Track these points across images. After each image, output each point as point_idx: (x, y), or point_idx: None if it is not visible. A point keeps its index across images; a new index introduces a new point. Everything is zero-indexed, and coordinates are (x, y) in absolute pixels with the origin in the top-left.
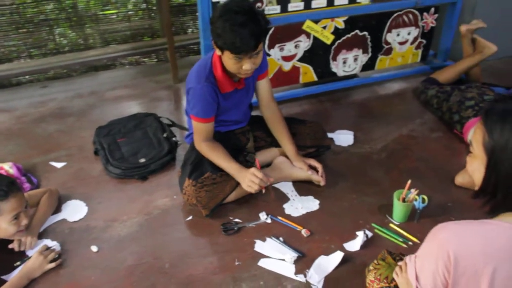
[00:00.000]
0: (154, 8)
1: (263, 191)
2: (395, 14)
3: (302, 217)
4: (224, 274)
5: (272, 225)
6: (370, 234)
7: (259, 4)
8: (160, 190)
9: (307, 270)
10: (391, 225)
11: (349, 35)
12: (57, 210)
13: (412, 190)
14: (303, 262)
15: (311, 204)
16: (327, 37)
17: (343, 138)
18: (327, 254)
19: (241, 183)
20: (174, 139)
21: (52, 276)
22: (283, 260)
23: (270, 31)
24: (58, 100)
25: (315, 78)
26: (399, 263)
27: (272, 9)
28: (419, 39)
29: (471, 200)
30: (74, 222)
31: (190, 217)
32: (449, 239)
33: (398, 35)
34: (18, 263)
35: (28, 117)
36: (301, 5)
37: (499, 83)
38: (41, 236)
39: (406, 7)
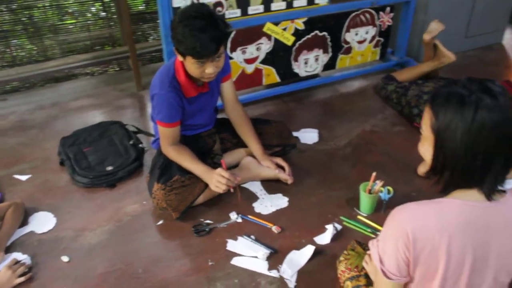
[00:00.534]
0: (114, 16)
1: (232, 190)
2: (353, 14)
3: (272, 214)
4: (198, 275)
5: (243, 224)
6: (339, 227)
7: (219, 8)
8: (129, 196)
9: (280, 265)
10: (359, 217)
11: (309, 36)
12: (24, 222)
13: (377, 182)
14: (275, 258)
15: (280, 201)
16: (288, 39)
17: (308, 136)
18: (298, 248)
19: (209, 184)
20: (140, 145)
21: None
22: (256, 257)
23: (232, 35)
24: (18, 113)
25: (278, 79)
26: (368, 252)
27: (232, 13)
28: (377, 38)
29: (433, 189)
30: (43, 233)
31: (161, 221)
32: (406, 219)
33: (356, 34)
34: None
35: None
36: (261, 8)
37: (454, 77)
38: (9, 250)
39: (363, 7)
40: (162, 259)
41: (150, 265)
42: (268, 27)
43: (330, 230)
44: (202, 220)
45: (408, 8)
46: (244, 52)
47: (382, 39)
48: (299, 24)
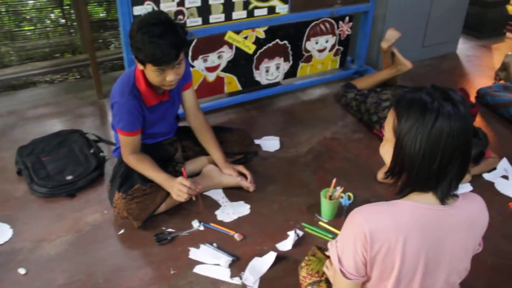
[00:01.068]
0: (74, 24)
1: (193, 198)
2: (313, 23)
3: (234, 222)
4: (160, 283)
5: (205, 232)
6: (301, 233)
7: (180, 17)
8: (89, 206)
9: (242, 273)
10: (320, 223)
11: (270, 45)
12: None
13: (338, 188)
14: (238, 265)
15: (242, 208)
16: (249, 47)
17: (270, 143)
18: (260, 255)
19: (171, 193)
20: (101, 154)
21: None
22: (218, 265)
23: (193, 43)
24: None
25: (240, 87)
26: (327, 253)
27: (193, 21)
28: (337, 46)
29: (392, 194)
30: None
31: (122, 231)
32: (364, 220)
33: (316, 43)
34: None
35: None
36: (222, 17)
37: (411, 84)
38: None
39: (322, 16)
40: (124, 269)
41: (111, 275)
42: (229, 36)
43: (291, 237)
44: (164, 228)
45: (366, 18)
46: (205, 60)
47: (341, 48)
48: (260, 32)
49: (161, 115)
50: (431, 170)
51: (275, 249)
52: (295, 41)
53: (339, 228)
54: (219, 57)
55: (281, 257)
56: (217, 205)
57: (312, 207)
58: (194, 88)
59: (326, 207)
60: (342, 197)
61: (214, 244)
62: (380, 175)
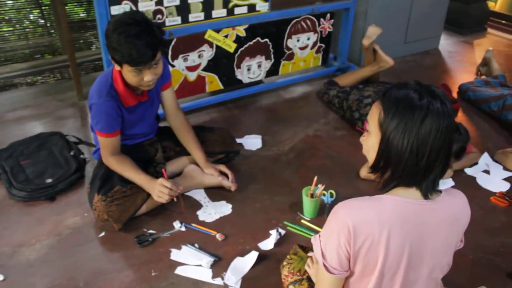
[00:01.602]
0: (54, 24)
1: (175, 199)
2: (294, 21)
3: (216, 222)
4: (141, 286)
5: (187, 232)
6: (283, 232)
7: (159, 16)
8: (70, 209)
9: (224, 273)
10: (303, 221)
11: (251, 43)
12: None
13: (319, 186)
14: (220, 266)
15: (224, 208)
16: (230, 46)
17: (252, 142)
18: (242, 255)
19: (152, 194)
20: (82, 156)
21: None
22: (200, 265)
23: (173, 42)
24: None
25: (221, 86)
26: (310, 254)
27: (172, 20)
28: (319, 44)
29: (375, 191)
30: None
31: (103, 233)
32: (347, 214)
33: (298, 40)
34: None
35: None
36: (201, 15)
37: (394, 81)
38: None
39: (303, 13)
40: (105, 272)
41: (92, 278)
42: (210, 35)
43: (274, 235)
44: (145, 230)
45: (348, 14)
46: (185, 60)
47: (323, 45)
48: (241, 31)
49: (140, 115)
50: (419, 166)
51: (257, 249)
52: (276, 39)
53: (321, 226)
54: (199, 56)
55: (263, 256)
56: (198, 205)
57: (294, 205)
58: (173, 88)
59: (308, 205)
60: (324, 195)
61: (196, 245)
62: (363, 172)
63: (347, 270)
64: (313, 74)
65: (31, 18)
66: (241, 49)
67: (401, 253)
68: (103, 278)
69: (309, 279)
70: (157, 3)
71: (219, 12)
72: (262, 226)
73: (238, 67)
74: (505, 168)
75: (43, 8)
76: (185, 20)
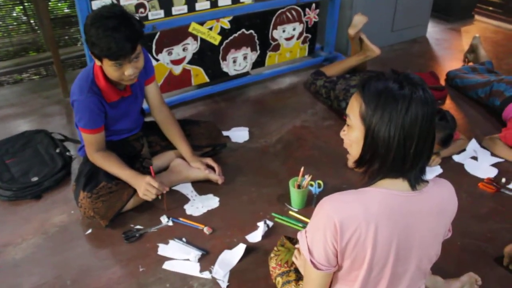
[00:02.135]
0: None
1: (159, 197)
2: (279, 11)
3: (203, 215)
4: (129, 282)
5: (174, 227)
6: (271, 223)
7: (142, 10)
8: (56, 207)
9: (212, 267)
10: (291, 212)
11: (236, 35)
12: None
13: (306, 176)
14: (207, 259)
15: (211, 202)
16: (214, 38)
17: (239, 135)
18: (230, 248)
19: (137, 191)
20: (68, 153)
21: None
22: (188, 260)
23: (156, 36)
24: None
25: (207, 79)
26: (297, 246)
27: (156, 14)
28: (305, 34)
29: (363, 180)
30: None
31: (90, 230)
32: (333, 209)
33: (284, 31)
34: None
35: None
36: (185, 8)
37: (381, 70)
38: None
39: (288, 4)
40: (92, 269)
41: (79, 276)
42: (194, 27)
43: (261, 228)
44: (132, 226)
45: (333, 4)
46: (170, 53)
47: (309, 35)
48: (225, 23)
49: (124, 111)
50: (406, 157)
51: (245, 241)
52: (262, 30)
53: (309, 217)
54: (184, 49)
55: (251, 249)
56: (186, 199)
57: (282, 197)
58: (157, 82)
59: (295, 196)
60: (312, 185)
61: (183, 239)
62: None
63: (335, 265)
64: (300, 65)
65: (14, 15)
66: (226, 41)
67: (389, 246)
68: (91, 275)
69: (296, 270)
70: None
71: (202, 4)
72: (249, 218)
73: (224, 59)
74: (493, 154)
75: (25, 4)
76: (168, 13)
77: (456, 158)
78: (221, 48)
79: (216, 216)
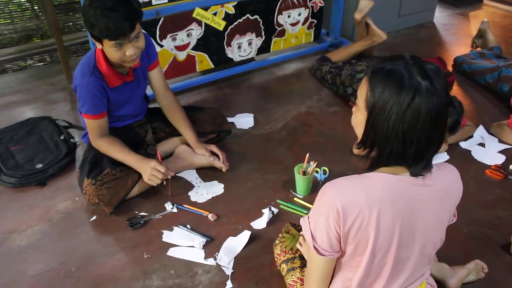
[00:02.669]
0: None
1: (164, 183)
2: None
3: (208, 202)
4: (134, 269)
5: (179, 214)
6: (276, 210)
7: None
8: (61, 194)
9: (217, 253)
10: (296, 199)
11: (240, 20)
12: None
13: (311, 163)
14: (212, 246)
15: (216, 188)
16: (219, 24)
17: (244, 121)
18: (235, 235)
19: (142, 175)
20: (72, 140)
21: None
22: (192, 246)
23: (160, 22)
24: None
25: (212, 65)
26: (302, 232)
27: None
28: (310, 19)
29: (366, 164)
30: None
31: (94, 217)
32: (335, 194)
33: (289, 16)
34: None
35: None
36: None
37: (388, 55)
38: None
39: None
40: (97, 255)
41: (84, 263)
42: (198, 13)
43: (266, 214)
44: (136, 212)
45: None
46: (174, 39)
47: (315, 21)
48: (229, 8)
49: (127, 96)
50: (405, 151)
51: (250, 228)
52: (267, 16)
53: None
54: (188, 35)
55: (256, 236)
56: (190, 186)
57: (287, 183)
58: (161, 68)
59: (301, 183)
60: (317, 172)
61: (188, 226)
62: (357, 149)
63: (338, 251)
64: (305, 51)
65: (17, 1)
66: (231, 26)
67: (392, 232)
68: (95, 262)
69: (301, 257)
70: None
71: None
72: (254, 205)
73: (228, 45)
74: (501, 141)
75: None
76: None
77: (463, 144)
78: (226, 33)
79: (220, 203)
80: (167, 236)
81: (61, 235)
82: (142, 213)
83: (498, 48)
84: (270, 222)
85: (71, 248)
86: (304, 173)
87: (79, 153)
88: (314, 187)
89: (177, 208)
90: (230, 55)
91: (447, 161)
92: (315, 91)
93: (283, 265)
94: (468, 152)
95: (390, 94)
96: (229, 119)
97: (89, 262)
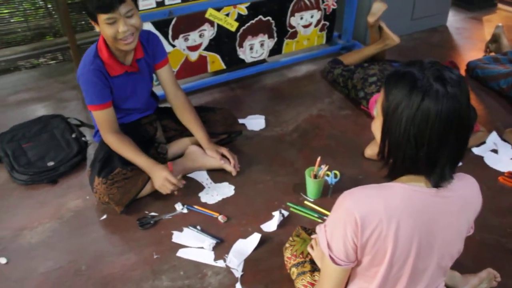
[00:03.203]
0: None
1: (175, 193)
2: None
3: (218, 203)
4: (143, 268)
5: (189, 214)
6: (286, 213)
7: None
8: (71, 192)
9: (226, 255)
10: (306, 202)
11: (253, 21)
12: None
13: (323, 166)
14: (222, 248)
15: (226, 190)
16: (231, 24)
17: (255, 122)
18: (245, 237)
19: (153, 181)
20: (83, 139)
21: None
22: (202, 248)
23: (173, 22)
24: None
25: (223, 66)
26: (313, 236)
27: None
28: (323, 22)
29: (380, 171)
30: None
31: (105, 216)
32: (354, 204)
33: (301, 18)
34: None
35: None
36: None
37: (400, 59)
38: None
39: None
40: (106, 254)
41: (94, 261)
42: (210, 13)
43: (276, 217)
44: (147, 212)
45: None
46: (186, 39)
47: (327, 23)
48: (242, 9)
49: (131, 89)
50: (418, 156)
51: (260, 230)
52: (279, 17)
53: (325, 207)
54: (200, 35)
55: (265, 238)
56: (201, 187)
57: (297, 186)
58: (170, 66)
59: (311, 186)
60: (328, 175)
61: (198, 227)
62: (368, 151)
63: (354, 261)
64: (317, 53)
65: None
66: (243, 27)
67: (411, 244)
68: (105, 261)
69: (312, 261)
70: None
71: None
72: (264, 207)
73: (241, 46)
74: None
75: None
76: None
77: (476, 150)
78: (238, 34)
79: (231, 205)
80: (177, 237)
81: (71, 233)
82: (152, 213)
83: None
84: (280, 225)
85: (81, 246)
86: (315, 176)
87: (90, 151)
88: (325, 191)
89: (187, 209)
90: (242, 56)
91: (459, 167)
92: (327, 94)
93: (293, 269)
94: (480, 158)
95: (401, 96)
96: (240, 121)
97: (99, 261)
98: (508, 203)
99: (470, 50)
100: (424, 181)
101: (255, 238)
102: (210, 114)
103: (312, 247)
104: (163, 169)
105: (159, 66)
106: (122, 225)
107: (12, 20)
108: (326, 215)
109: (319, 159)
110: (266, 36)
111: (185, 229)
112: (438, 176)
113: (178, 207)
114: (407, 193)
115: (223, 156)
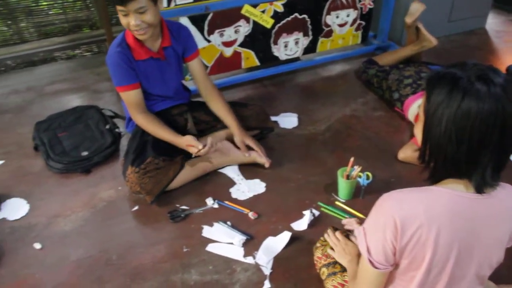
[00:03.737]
0: None
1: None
2: None
3: (249, 200)
4: (173, 261)
5: (219, 210)
6: (317, 213)
7: None
8: (104, 182)
9: (256, 252)
10: (337, 202)
11: (288, 19)
12: None
13: (356, 167)
14: (251, 245)
15: (257, 186)
16: (267, 21)
17: (288, 120)
18: (274, 235)
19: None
20: (117, 130)
21: None
22: (232, 243)
23: (209, 17)
24: None
25: (257, 63)
26: (337, 235)
27: None
28: (358, 21)
29: (413, 175)
30: (15, 220)
31: (136, 207)
32: (394, 207)
33: (337, 17)
34: None
35: None
36: None
37: (436, 61)
38: None
39: None
40: (137, 245)
41: (124, 251)
42: (247, 10)
43: (307, 216)
44: (177, 205)
45: None
46: (222, 35)
47: (363, 23)
48: (278, 6)
49: (158, 75)
50: (458, 156)
51: (290, 229)
52: (315, 15)
53: (355, 208)
54: (235, 31)
55: (295, 237)
56: (232, 183)
57: (329, 186)
58: (200, 59)
59: (343, 187)
60: (360, 177)
61: (228, 223)
62: (401, 154)
63: (393, 264)
64: (352, 52)
65: None
66: (279, 25)
67: (450, 250)
68: (135, 251)
69: None
70: None
71: None
72: (295, 206)
73: (275, 43)
74: None
75: None
76: None
77: None
78: (273, 31)
79: (261, 202)
80: (207, 232)
81: (103, 223)
82: (183, 207)
83: None
84: (310, 224)
85: (112, 236)
86: (348, 177)
87: (123, 143)
88: (357, 192)
89: (218, 204)
90: (276, 53)
91: (503, 176)
92: (360, 94)
93: (324, 269)
94: None
95: (442, 96)
96: (273, 118)
97: (129, 251)
98: None
99: (510, 54)
100: (465, 184)
101: (285, 236)
102: (242, 109)
103: (332, 248)
104: (187, 137)
105: (189, 58)
106: (153, 217)
107: (50, 12)
108: (357, 216)
109: (352, 159)
110: (301, 34)
111: (215, 224)
112: (479, 179)
113: (209, 201)
114: (450, 198)
115: (249, 148)
